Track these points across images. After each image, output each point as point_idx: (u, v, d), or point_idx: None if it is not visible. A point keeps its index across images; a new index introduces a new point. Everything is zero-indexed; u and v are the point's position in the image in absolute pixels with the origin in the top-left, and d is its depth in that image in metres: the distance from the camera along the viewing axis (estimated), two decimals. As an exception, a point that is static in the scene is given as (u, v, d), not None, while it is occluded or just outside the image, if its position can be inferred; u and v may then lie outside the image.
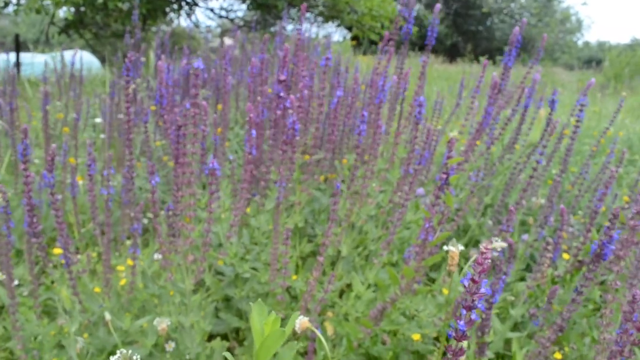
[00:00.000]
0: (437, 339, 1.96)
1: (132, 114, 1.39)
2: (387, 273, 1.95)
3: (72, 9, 7.04)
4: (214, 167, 1.11)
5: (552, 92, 2.29)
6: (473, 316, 0.65)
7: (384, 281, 1.54)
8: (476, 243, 2.50)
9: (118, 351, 0.65)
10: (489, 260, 0.64)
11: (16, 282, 2.01)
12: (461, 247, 1.08)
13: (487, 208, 2.69)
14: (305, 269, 2.12)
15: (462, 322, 0.65)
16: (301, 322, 1.06)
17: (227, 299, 2.04)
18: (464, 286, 0.65)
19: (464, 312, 0.65)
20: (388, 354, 1.65)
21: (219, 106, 2.55)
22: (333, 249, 1.84)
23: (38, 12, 6.55)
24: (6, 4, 7.75)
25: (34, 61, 7.45)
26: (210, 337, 1.98)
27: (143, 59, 3.28)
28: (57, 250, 1.89)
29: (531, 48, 17.50)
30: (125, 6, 7.72)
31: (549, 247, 1.58)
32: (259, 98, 1.45)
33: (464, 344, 0.69)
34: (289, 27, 10.84)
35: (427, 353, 1.83)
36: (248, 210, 1.71)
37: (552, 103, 2.29)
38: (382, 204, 2.15)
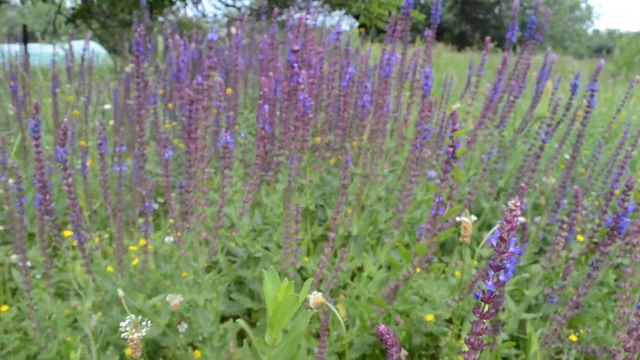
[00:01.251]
0: (449, 321, 1.95)
1: (142, 90, 1.38)
2: (398, 253, 1.94)
3: (79, -2, 7.03)
4: (227, 141, 1.10)
5: (575, 76, 2.27)
6: (502, 277, 0.64)
7: (396, 260, 1.52)
8: (489, 227, 2.48)
9: (127, 317, 0.64)
10: (518, 219, 0.62)
11: (29, 264, 2.02)
12: (474, 218, 1.06)
13: (500, 192, 2.66)
14: (316, 252, 2.12)
15: (490, 283, 0.64)
16: (315, 297, 1.05)
17: (239, 282, 2.04)
18: (492, 245, 0.63)
19: (492, 272, 0.64)
20: (401, 335, 1.64)
21: (229, 89, 2.53)
22: (344, 229, 1.83)
23: (45, 0, 6.53)
24: (14, -6, 7.74)
25: (43, 51, 7.45)
26: (222, 320, 1.98)
27: (149, 45, 3.26)
28: (68, 233, 1.90)
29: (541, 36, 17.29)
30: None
31: (564, 227, 1.56)
32: (271, 73, 1.43)
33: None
34: (296, 15, 10.77)
35: (440, 335, 1.82)
36: (260, 189, 1.70)
37: (574, 87, 2.27)
38: (390, 185, 2.14)
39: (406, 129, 1.83)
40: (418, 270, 1.53)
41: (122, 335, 0.61)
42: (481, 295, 0.65)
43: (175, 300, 1.24)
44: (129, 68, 2.20)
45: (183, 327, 1.66)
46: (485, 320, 0.67)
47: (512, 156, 2.73)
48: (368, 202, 1.78)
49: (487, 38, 2.13)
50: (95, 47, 9.19)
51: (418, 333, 1.80)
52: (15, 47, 4.40)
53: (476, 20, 19.82)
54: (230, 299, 1.87)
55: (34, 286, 2.01)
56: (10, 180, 2.20)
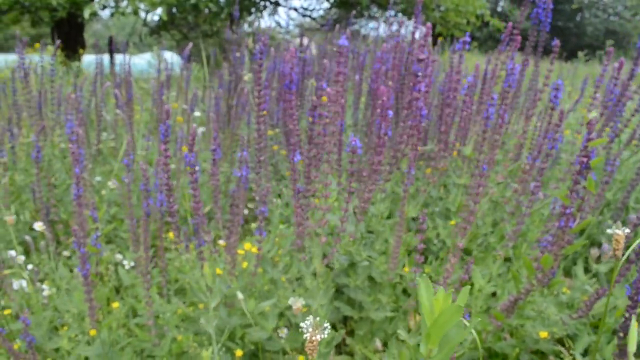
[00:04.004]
0: (558, 341, 1.85)
1: (262, 97, 1.40)
2: (505, 266, 1.87)
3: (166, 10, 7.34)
4: (356, 145, 1.10)
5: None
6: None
7: (502, 274, 1.47)
8: (594, 242, 2.36)
9: (307, 319, 0.63)
10: None
11: (132, 264, 2.10)
12: (627, 230, 0.99)
13: (605, 206, 2.52)
14: (412, 263, 2.08)
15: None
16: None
17: (335, 290, 2.03)
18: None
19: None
20: (514, 351, 1.58)
21: (324, 98, 2.54)
22: (451, 241, 1.78)
23: (135, 13, 6.87)
24: (104, 7, 8.19)
25: (134, 62, 7.82)
26: (318, 326, 1.98)
27: (235, 54, 3.34)
28: (171, 235, 1.95)
29: (627, 44, 16.42)
30: (213, 7, 7.97)
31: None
32: (390, 82, 1.42)
33: None
34: (370, 25, 10.79)
35: (550, 353, 1.73)
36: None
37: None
38: (493, 197, 2.07)
39: (523, 140, 1.77)
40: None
41: (305, 336, 0.61)
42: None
43: (297, 303, 1.24)
44: (247, 77, 2.26)
45: (283, 332, 1.66)
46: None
47: (619, 168, 2.58)
48: (478, 215, 1.73)
49: (610, 48, 2.01)
50: (174, 57, 9.57)
51: (525, 350, 1.72)
52: (105, 57, 4.65)
53: (556, 28, 19.04)
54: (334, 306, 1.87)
55: (136, 285, 2.09)
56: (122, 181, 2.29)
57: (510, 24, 1.70)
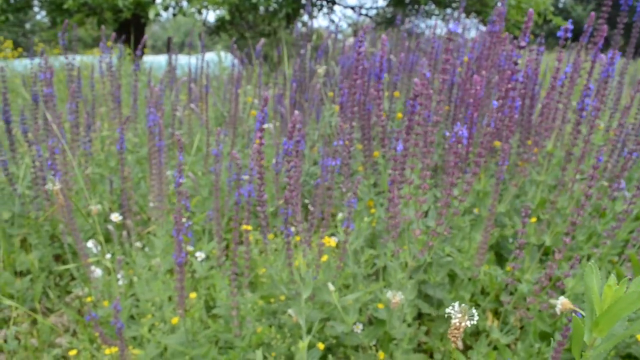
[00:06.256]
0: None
1: (360, 86, 1.39)
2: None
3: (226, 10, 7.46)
4: (462, 135, 1.07)
5: None
6: None
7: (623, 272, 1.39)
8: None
9: (454, 304, 0.61)
10: None
11: (204, 255, 2.14)
12: None
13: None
14: (490, 260, 2.02)
15: None
16: (563, 302, 0.97)
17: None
18: None
19: None
20: (610, 354, 1.50)
21: (396, 93, 2.52)
22: (537, 239, 1.72)
23: (200, 12, 7.01)
24: (166, 8, 8.40)
25: (192, 62, 7.97)
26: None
27: (302, 51, 3.34)
28: (247, 227, 1.97)
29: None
30: (273, 6, 8.05)
31: None
32: (483, 72, 1.39)
33: None
34: (421, 24, 10.65)
35: (644, 359, 1.65)
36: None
37: None
38: (575, 195, 1.99)
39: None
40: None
41: (453, 321, 0.59)
42: None
43: (396, 297, 1.22)
44: (321, 70, 2.27)
45: (358, 327, 1.65)
46: None
47: None
48: (567, 211, 1.66)
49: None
50: (229, 56, 9.70)
51: (617, 354, 1.64)
52: (176, 57, 4.76)
53: (620, 24, 18.20)
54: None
55: (210, 277, 2.12)
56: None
57: (592, 14, 1.63)
